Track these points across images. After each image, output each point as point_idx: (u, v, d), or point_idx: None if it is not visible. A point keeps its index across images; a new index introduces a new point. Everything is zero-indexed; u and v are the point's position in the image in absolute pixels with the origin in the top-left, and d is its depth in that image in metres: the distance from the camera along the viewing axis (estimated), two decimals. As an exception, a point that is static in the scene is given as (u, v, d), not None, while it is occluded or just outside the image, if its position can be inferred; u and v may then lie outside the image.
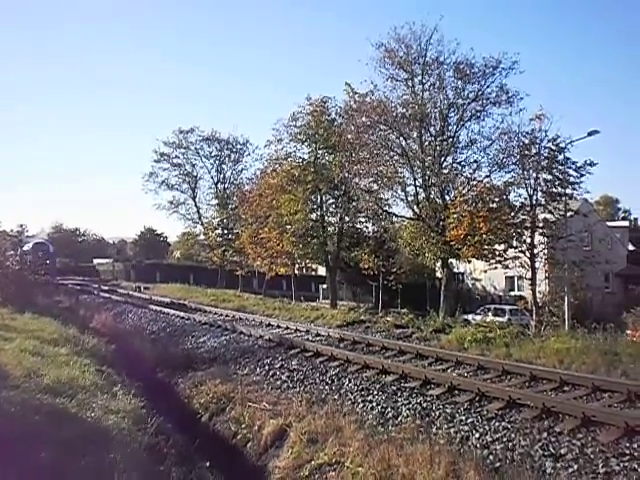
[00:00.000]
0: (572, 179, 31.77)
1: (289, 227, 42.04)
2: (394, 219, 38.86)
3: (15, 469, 6.28)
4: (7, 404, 8.40)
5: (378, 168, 34.99)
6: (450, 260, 35.53)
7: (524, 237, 32.88)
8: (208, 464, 9.67)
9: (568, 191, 32.03)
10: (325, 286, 51.80)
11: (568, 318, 28.03)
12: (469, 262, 38.44)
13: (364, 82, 36.35)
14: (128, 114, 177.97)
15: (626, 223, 68.53)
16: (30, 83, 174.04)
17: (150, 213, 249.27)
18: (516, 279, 44.58)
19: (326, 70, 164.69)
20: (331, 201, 43.00)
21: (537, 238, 32.64)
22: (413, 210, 35.29)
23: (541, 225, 32.25)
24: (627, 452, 7.84)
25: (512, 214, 32.63)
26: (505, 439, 8.72)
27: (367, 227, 45.08)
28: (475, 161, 33.91)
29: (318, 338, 18.85)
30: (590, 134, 29.67)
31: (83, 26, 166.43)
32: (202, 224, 62.33)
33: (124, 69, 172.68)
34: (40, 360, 12.41)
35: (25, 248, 33.47)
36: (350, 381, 12.74)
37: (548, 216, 32.29)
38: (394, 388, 11.84)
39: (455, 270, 42.17)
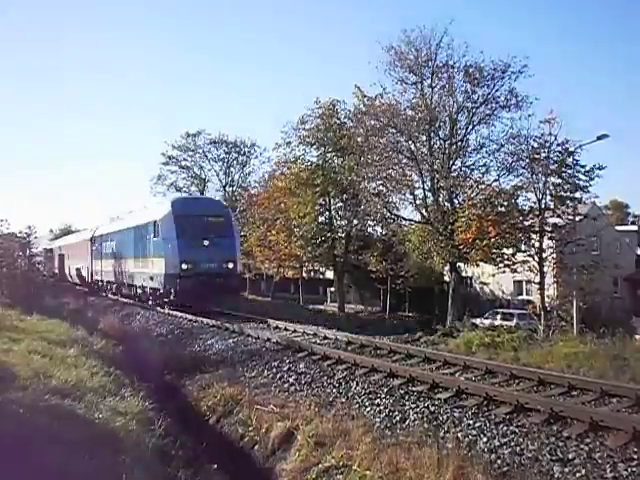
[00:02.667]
0: (581, 183, 31.74)
1: (297, 230, 42.18)
2: (402, 222, 38.89)
3: (23, 470, 6.30)
4: (16, 405, 8.44)
5: (387, 171, 35.08)
6: (458, 264, 35.50)
7: (533, 241, 32.86)
8: (215, 466, 9.68)
9: (577, 195, 31.98)
10: (333, 289, 51.85)
11: (577, 322, 27.93)
12: (477, 266, 38.46)
13: (373, 85, 36.55)
14: (136, 118, 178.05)
15: (635, 227, 68.17)
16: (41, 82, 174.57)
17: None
18: (524, 283, 44.52)
19: (335, 73, 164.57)
20: (340, 204, 43.12)
21: (546, 242, 32.58)
22: (421, 214, 35.32)
23: (550, 229, 32.19)
24: (635, 457, 7.80)
25: (521, 218, 32.60)
26: (513, 443, 8.69)
27: (375, 230, 45.19)
28: (484, 165, 34.00)
29: (326, 341, 18.83)
30: (599, 138, 29.58)
31: (97, 30, 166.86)
32: (210, 226, 62.20)
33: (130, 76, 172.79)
34: (48, 361, 12.48)
35: (34, 250, 33.58)
36: (358, 384, 12.72)
37: (557, 220, 32.23)
38: (402, 392, 11.81)
39: (463, 274, 42.10)
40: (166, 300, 27.21)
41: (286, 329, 21.62)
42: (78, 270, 47.88)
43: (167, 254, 25.63)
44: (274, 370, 14.88)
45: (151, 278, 27.87)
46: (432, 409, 10.45)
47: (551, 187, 32.28)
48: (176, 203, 28.04)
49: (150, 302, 29.83)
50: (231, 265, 26.22)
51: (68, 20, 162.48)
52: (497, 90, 33.52)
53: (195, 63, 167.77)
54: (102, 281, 40.31)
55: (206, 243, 25.55)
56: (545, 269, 32.29)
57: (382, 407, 11.00)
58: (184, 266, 25.10)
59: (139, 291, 31.56)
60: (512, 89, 33.24)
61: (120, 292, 35.94)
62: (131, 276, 32.36)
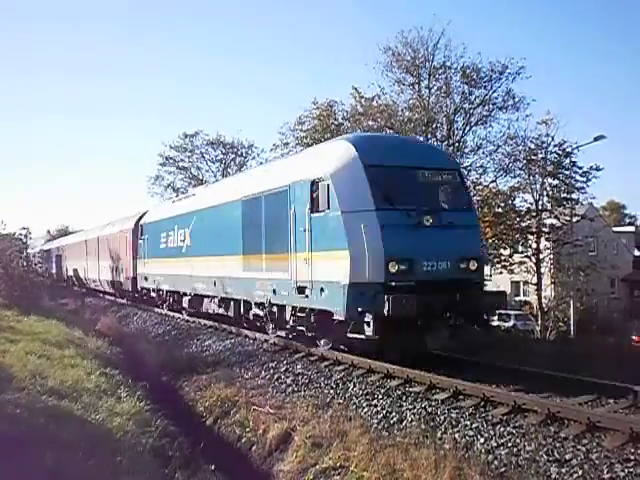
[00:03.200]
0: (578, 184, 31.83)
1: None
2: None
3: (20, 470, 6.29)
4: (12, 406, 8.43)
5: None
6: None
7: (530, 242, 32.92)
8: (213, 467, 9.67)
9: (574, 196, 32.07)
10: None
11: (574, 323, 27.99)
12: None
13: (371, 86, 36.48)
14: (135, 118, 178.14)
15: (632, 228, 68.43)
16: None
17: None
18: (522, 284, 44.60)
19: (332, 75, 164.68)
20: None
21: (543, 243, 32.66)
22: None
23: (547, 230, 32.25)
24: (632, 457, 7.79)
25: (518, 219, 32.65)
26: (510, 444, 8.68)
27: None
28: (481, 166, 34.00)
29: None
30: (596, 139, 29.69)
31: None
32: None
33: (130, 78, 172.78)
34: (45, 362, 12.47)
35: (30, 251, 33.50)
36: (355, 385, 12.69)
37: (554, 221, 32.30)
38: (399, 392, 11.79)
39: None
40: (358, 336, 13.08)
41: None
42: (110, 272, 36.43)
43: (355, 244, 12.19)
44: (271, 371, 14.85)
45: (300, 291, 14.61)
46: (429, 410, 10.44)
47: (548, 188, 32.43)
48: (363, 144, 13.83)
49: (289, 334, 16.97)
50: (474, 266, 13.22)
51: (66, 20, 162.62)
52: (494, 91, 33.54)
53: (194, 63, 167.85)
54: (159, 291, 27.62)
55: (428, 221, 12.68)
56: (542, 270, 32.38)
57: (379, 408, 10.99)
58: (392, 267, 12.25)
59: (256, 311, 18.06)
60: (509, 90, 33.29)
61: (198, 309, 23.52)
62: (235, 285, 18.91)
